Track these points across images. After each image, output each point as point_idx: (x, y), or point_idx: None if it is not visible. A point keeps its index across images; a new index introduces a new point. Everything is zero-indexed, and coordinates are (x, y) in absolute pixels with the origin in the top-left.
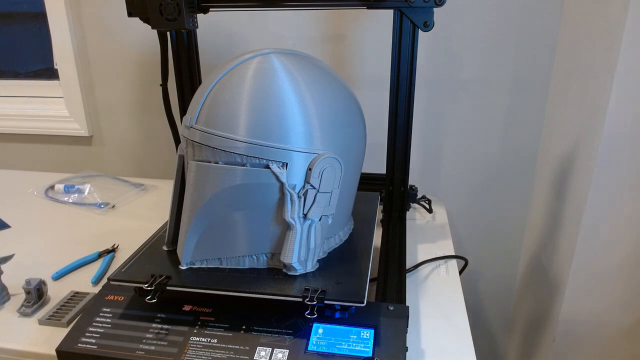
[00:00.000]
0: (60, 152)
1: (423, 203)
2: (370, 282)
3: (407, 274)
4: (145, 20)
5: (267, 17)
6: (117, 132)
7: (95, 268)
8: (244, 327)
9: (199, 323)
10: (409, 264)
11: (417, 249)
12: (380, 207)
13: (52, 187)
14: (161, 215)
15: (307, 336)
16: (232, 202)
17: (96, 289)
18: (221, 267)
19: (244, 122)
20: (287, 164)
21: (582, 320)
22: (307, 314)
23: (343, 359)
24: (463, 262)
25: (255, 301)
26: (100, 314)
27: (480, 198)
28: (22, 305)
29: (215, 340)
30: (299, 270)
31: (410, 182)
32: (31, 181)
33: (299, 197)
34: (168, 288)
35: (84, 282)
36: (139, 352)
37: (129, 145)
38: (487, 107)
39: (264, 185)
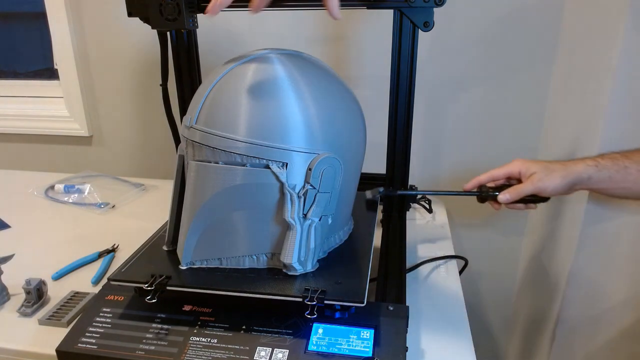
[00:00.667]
0: (60, 152)
1: (423, 203)
2: (370, 282)
3: (407, 274)
4: (145, 20)
5: (267, 17)
6: (117, 132)
7: (95, 268)
8: (244, 327)
9: (199, 323)
10: (409, 264)
11: (417, 249)
12: (380, 207)
13: (52, 187)
14: (161, 215)
15: (307, 336)
16: (232, 202)
17: (96, 289)
18: (221, 267)
19: (244, 122)
20: (287, 164)
21: (582, 320)
22: (307, 314)
23: (343, 359)
24: (463, 262)
25: (256, 301)
26: (100, 314)
27: None
28: (22, 305)
29: (215, 340)
30: (299, 270)
31: (410, 181)
32: (31, 181)
33: (299, 197)
34: (168, 288)
35: (84, 282)
36: (139, 352)
37: (129, 145)
38: (487, 107)
39: (264, 185)
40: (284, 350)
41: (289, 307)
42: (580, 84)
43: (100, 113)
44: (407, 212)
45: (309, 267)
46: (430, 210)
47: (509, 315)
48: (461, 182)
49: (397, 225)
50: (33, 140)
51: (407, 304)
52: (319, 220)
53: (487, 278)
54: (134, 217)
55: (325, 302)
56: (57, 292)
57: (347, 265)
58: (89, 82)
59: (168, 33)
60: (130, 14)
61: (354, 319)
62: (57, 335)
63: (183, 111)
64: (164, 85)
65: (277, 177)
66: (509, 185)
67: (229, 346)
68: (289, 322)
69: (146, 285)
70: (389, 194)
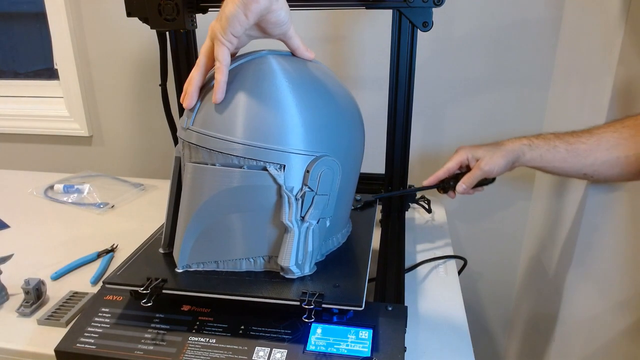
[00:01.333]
0: (60, 152)
1: (422, 203)
2: (369, 282)
3: (406, 274)
4: (145, 20)
5: None
6: (117, 132)
7: (94, 268)
8: (242, 327)
9: (198, 323)
10: (408, 264)
11: (416, 249)
12: (379, 207)
13: (51, 187)
14: (160, 216)
15: (306, 336)
16: (229, 205)
17: (95, 289)
18: (218, 270)
19: (241, 123)
20: (284, 166)
21: (582, 320)
22: (305, 318)
23: (341, 359)
24: (462, 262)
25: (254, 302)
26: (99, 314)
27: (480, 198)
28: (21, 305)
29: (214, 340)
30: (297, 273)
31: (409, 181)
32: (31, 181)
33: (296, 199)
34: (164, 291)
35: (83, 282)
36: (138, 352)
37: (129, 145)
38: (486, 107)
39: (261, 188)
40: (282, 350)
41: (288, 309)
42: (580, 85)
43: (100, 113)
44: (406, 212)
45: (307, 270)
46: (429, 210)
47: (508, 315)
48: None
49: (396, 225)
50: (33, 140)
51: (405, 304)
52: (317, 222)
53: (487, 278)
54: (133, 217)
55: (323, 305)
56: (56, 292)
57: (345, 268)
58: (89, 82)
59: (167, 33)
60: (129, 14)
61: (353, 319)
62: (55, 335)
63: (182, 111)
64: (163, 86)
65: (274, 180)
66: (462, 174)
67: (228, 346)
68: (288, 322)
69: (142, 288)
70: (368, 199)
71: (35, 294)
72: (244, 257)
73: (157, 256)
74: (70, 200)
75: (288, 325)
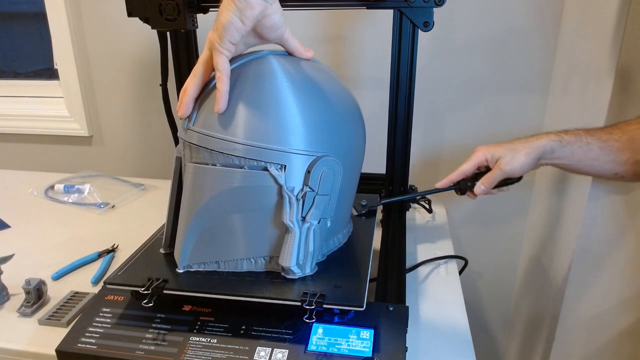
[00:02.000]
0: (60, 152)
1: (423, 203)
2: (370, 282)
3: (406, 274)
4: (145, 20)
5: None
6: (117, 132)
7: (95, 268)
8: (243, 327)
9: (199, 323)
10: (408, 264)
11: (417, 249)
12: (380, 208)
13: (52, 187)
14: (161, 216)
15: (307, 336)
16: (229, 205)
17: (96, 289)
18: (219, 270)
19: (242, 124)
20: (285, 166)
21: (582, 320)
22: (306, 319)
23: (343, 359)
24: (463, 262)
25: (255, 303)
26: (100, 314)
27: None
28: (22, 306)
29: (215, 340)
30: (298, 273)
31: (410, 182)
32: (31, 181)
33: (297, 199)
34: (165, 292)
35: (84, 282)
36: (139, 352)
37: (129, 145)
38: (487, 107)
39: (262, 188)
40: (283, 350)
41: (289, 309)
42: (580, 84)
43: (100, 113)
44: (407, 212)
45: (308, 271)
46: (430, 211)
47: (509, 315)
48: None
49: (397, 226)
50: (33, 140)
51: (407, 304)
52: (318, 223)
53: (487, 278)
54: (133, 218)
55: (324, 306)
56: (56, 292)
57: (346, 268)
58: (89, 82)
59: (168, 33)
60: (130, 14)
61: (354, 319)
62: (56, 335)
63: None
64: (164, 86)
65: (275, 180)
66: (483, 173)
67: (229, 346)
68: (289, 322)
69: (143, 289)
70: (375, 204)
71: (36, 294)
72: (245, 258)
73: (158, 256)
74: (70, 200)
75: (289, 325)
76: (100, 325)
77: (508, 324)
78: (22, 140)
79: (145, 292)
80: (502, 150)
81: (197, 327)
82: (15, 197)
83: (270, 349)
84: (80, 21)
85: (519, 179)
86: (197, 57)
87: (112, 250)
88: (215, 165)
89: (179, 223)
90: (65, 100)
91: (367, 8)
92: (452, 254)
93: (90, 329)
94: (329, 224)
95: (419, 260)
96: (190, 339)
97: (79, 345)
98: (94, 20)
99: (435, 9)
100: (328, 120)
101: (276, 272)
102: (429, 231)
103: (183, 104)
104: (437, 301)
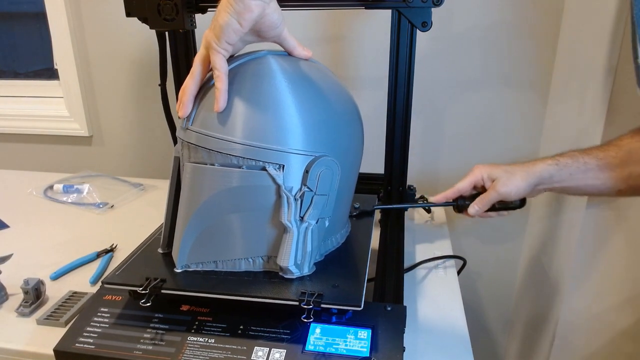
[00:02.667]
0: (60, 152)
1: (421, 202)
2: (368, 282)
3: (405, 274)
4: (144, 20)
5: None
6: (117, 132)
7: (93, 268)
8: (241, 326)
9: (197, 323)
10: (407, 264)
11: (416, 249)
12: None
13: (51, 187)
14: (160, 216)
15: (305, 336)
16: (228, 205)
17: (94, 289)
18: (217, 270)
19: (240, 123)
20: (283, 166)
21: (582, 320)
22: (304, 318)
23: (340, 358)
24: (462, 262)
25: (253, 302)
26: (98, 314)
27: None
28: (20, 305)
29: (213, 340)
30: (296, 273)
31: (409, 182)
32: (30, 181)
33: (295, 199)
34: (163, 291)
35: (82, 282)
36: (137, 352)
37: (129, 145)
38: (486, 107)
39: (261, 188)
40: (281, 350)
41: (287, 308)
42: (580, 84)
43: (100, 113)
44: (406, 212)
45: (306, 270)
46: (428, 210)
47: (508, 315)
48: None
49: (396, 225)
50: (33, 140)
51: (404, 304)
52: (316, 223)
53: (487, 278)
54: (132, 217)
55: (322, 305)
56: (55, 292)
57: (345, 268)
58: (89, 82)
59: (166, 33)
60: (128, 14)
61: (352, 319)
62: (55, 335)
63: None
64: (163, 86)
65: (273, 180)
66: (480, 194)
67: (227, 346)
68: (287, 322)
69: (141, 288)
70: (366, 209)
71: (34, 294)
72: (243, 257)
73: (156, 256)
74: (69, 200)
75: (287, 325)
76: (98, 325)
77: (508, 324)
78: (22, 140)
79: (143, 291)
80: (499, 171)
81: (195, 326)
82: (14, 197)
83: (268, 348)
84: (80, 21)
85: (521, 204)
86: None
87: (110, 250)
88: (213, 165)
89: (177, 223)
90: (65, 100)
91: (366, 8)
92: (451, 253)
93: (88, 328)
94: (327, 224)
95: (418, 260)
96: (188, 338)
97: (77, 345)
98: (94, 20)
99: (433, 9)
100: (326, 120)
101: (274, 272)
102: (428, 231)
103: (183, 103)
104: (436, 301)
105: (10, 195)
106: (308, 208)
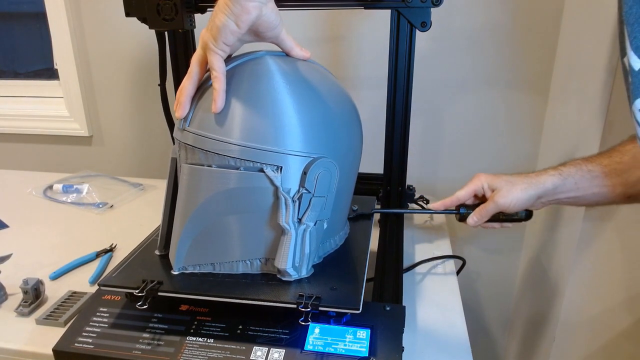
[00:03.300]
0: (60, 152)
1: (421, 203)
2: (367, 282)
3: (404, 274)
4: (143, 20)
5: None
6: (117, 132)
7: (92, 268)
8: (240, 326)
9: (196, 323)
10: (406, 263)
11: (415, 249)
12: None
13: (50, 187)
14: (159, 216)
15: (304, 336)
16: (225, 206)
17: (93, 289)
18: (214, 272)
19: (237, 124)
20: (281, 167)
21: (582, 320)
22: (302, 321)
23: (339, 358)
24: (461, 262)
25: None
26: (97, 314)
27: None
28: (20, 305)
29: (212, 340)
30: (294, 275)
31: (408, 182)
32: (30, 181)
33: (293, 201)
34: (160, 294)
35: (82, 282)
36: (136, 352)
37: (129, 145)
38: (486, 107)
39: (258, 189)
40: (280, 350)
41: (285, 309)
42: (580, 84)
43: (100, 113)
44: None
45: (304, 273)
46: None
47: (508, 315)
48: (459, 182)
49: (395, 225)
50: (33, 140)
51: (403, 304)
52: (314, 225)
53: (486, 278)
54: (132, 217)
55: (320, 308)
56: (54, 292)
57: (343, 270)
58: (89, 82)
59: (166, 33)
60: (128, 14)
61: (351, 318)
62: (54, 335)
63: None
64: (162, 85)
65: (271, 181)
66: (480, 204)
67: (226, 346)
68: (286, 322)
69: (137, 291)
70: (364, 212)
71: (33, 294)
72: (241, 259)
73: (153, 258)
74: (69, 200)
75: (286, 325)
76: (97, 324)
77: (508, 324)
78: (22, 140)
79: (140, 294)
80: (500, 181)
81: (194, 327)
82: (14, 197)
83: (267, 348)
84: (80, 21)
85: (527, 217)
86: None
87: (110, 250)
88: (210, 166)
89: (174, 225)
90: (65, 100)
91: (365, 8)
92: (450, 253)
93: (87, 328)
94: (325, 226)
95: (417, 260)
96: (187, 338)
97: (76, 344)
98: (94, 20)
99: (432, 9)
100: (325, 121)
101: (272, 274)
102: (427, 231)
103: (180, 104)
104: (435, 301)
105: (10, 195)
106: (306, 210)
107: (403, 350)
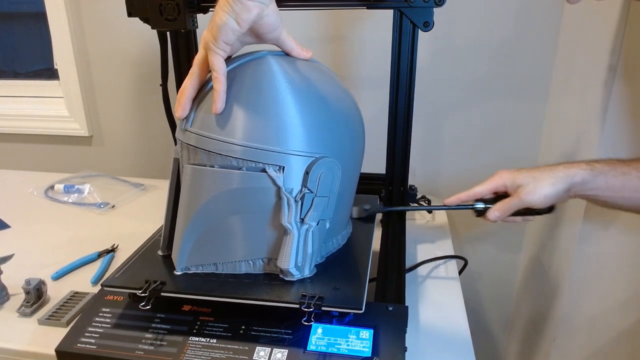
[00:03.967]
0: (60, 152)
1: (423, 203)
2: (370, 282)
3: (406, 274)
4: (145, 20)
5: None
6: (117, 132)
7: (94, 268)
8: (243, 327)
9: (198, 323)
10: (408, 264)
11: (417, 249)
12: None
13: (52, 187)
14: (161, 216)
15: (307, 336)
16: (227, 207)
17: (96, 289)
18: (217, 272)
19: (240, 125)
20: (284, 167)
21: (582, 320)
22: (304, 321)
23: (342, 358)
24: (463, 262)
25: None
26: (100, 314)
27: None
28: (22, 305)
29: (215, 340)
30: (296, 275)
31: (410, 182)
32: (31, 181)
33: (296, 201)
34: (162, 294)
35: (84, 282)
36: (138, 352)
37: (129, 145)
38: (487, 107)
39: (261, 189)
40: (283, 350)
41: (288, 309)
42: (580, 84)
43: (100, 113)
44: (407, 212)
45: (307, 273)
46: (430, 211)
47: (509, 315)
48: (460, 182)
49: (397, 225)
50: (33, 140)
51: (406, 304)
52: (317, 224)
53: (487, 278)
54: (133, 217)
55: (323, 308)
56: (56, 292)
57: (346, 270)
58: (89, 82)
59: (168, 33)
60: (130, 14)
61: (353, 319)
62: (56, 335)
63: None
64: (164, 86)
65: (273, 181)
66: (502, 197)
67: (228, 346)
68: (288, 322)
69: (140, 291)
70: (377, 211)
71: (35, 294)
72: (243, 259)
73: (155, 258)
74: (70, 200)
75: (289, 325)
76: (99, 325)
77: (508, 324)
78: (22, 140)
79: (143, 294)
80: (524, 177)
81: (196, 327)
82: (15, 197)
83: (270, 349)
84: (80, 21)
85: (550, 210)
86: None
87: (111, 250)
88: (213, 166)
89: (176, 225)
90: (65, 100)
91: (367, 8)
92: (452, 253)
93: (89, 328)
94: (327, 226)
95: (419, 260)
96: (190, 339)
97: (78, 345)
98: (94, 20)
99: (435, 9)
100: (327, 121)
101: (275, 274)
102: (429, 231)
103: (180, 105)
104: (437, 301)
105: (11, 195)
106: (309, 210)
107: (406, 350)
